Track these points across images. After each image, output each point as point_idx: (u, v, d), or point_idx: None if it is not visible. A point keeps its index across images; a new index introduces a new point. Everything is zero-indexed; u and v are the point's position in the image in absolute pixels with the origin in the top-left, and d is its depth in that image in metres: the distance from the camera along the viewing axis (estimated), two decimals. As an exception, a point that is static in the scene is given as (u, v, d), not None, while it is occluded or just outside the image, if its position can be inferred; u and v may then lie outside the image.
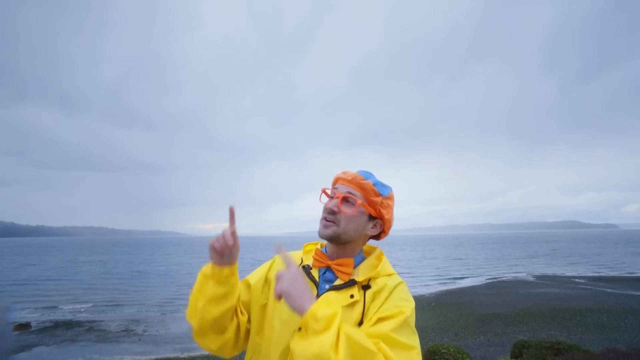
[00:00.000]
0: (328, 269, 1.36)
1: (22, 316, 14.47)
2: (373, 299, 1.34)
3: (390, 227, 1.40)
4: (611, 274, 25.71)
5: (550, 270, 28.43)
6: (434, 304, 15.25)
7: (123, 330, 12.57)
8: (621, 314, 11.77)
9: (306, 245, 1.42)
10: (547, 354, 5.26)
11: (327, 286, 1.34)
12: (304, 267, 1.36)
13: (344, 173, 1.38)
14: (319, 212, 1.42)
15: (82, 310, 16.13)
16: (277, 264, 1.40)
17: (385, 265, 1.38)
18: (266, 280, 1.38)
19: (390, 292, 1.38)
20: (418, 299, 16.69)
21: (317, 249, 1.38)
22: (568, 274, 25.99)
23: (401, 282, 1.40)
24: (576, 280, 22.06)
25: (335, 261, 1.36)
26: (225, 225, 1.39)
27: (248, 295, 1.38)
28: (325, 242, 1.44)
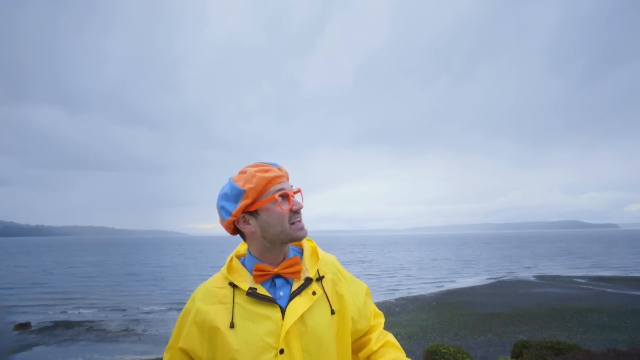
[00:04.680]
0: (275, 276, 1.26)
1: (22, 315, 14.47)
2: (333, 286, 1.28)
3: None
4: (611, 273, 25.71)
5: (550, 270, 28.43)
6: (434, 303, 15.25)
7: (123, 330, 12.56)
8: (622, 313, 11.77)
9: (224, 267, 1.30)
10: (548, 353, 5.25)
11: (281, 293, 1.24)
12: (248, 292, 1.23)
13: (277, 169, 1.29)
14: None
15: (81, 310, 16.14)
16: (201, 306, 1.26)
17: (319, 249, 1.31)
18: (199, 330, 1.25)
19: (343, 276, 1.31)
20: (418, 299, 16.68)
21: (256, 264, 1.26)
22: (569, 273, 25.99)
23: (334, 258, 1.34)
24: (577, 280, 22.05)
25: (281, 265, 1.26)
26: None
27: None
28: (232, 252, 1.32)
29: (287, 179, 1.28)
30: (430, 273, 29.29)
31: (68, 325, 13.20)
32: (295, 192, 1.27)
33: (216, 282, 1.28)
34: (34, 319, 13.97)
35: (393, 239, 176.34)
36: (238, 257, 1.31)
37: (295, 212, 1.27)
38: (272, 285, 1.25)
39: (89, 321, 13.83)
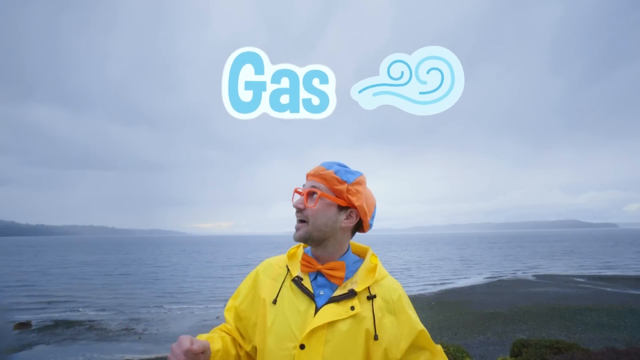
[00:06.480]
0: (318, 273, 1.26)
1: (22, 315, 14.48)
2: (381, 312, 1.21)
3: (367, 214, 1.29)
4: (611, 273, 25.74)
5: (550, 270, 28.46)
6: (433, 302, 15.27)
7: (123, 329, 12.58)
8: (620, 313, 11.79)
9: (290, 250, 1.35)
10: (547, 352, 5.25)
11: (321, 292, 1.22)
12: (294, 280, 1.24)
13: (320, 168, 1.28)
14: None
15: (82, 309, 16.16)
16: (261, 275, 1.32)
17: (381, 270, 1.30)
18: (254, 296, 1.30)
19: (396, 308, 1.25)
20: (418, 298, 16.70)
21: (304, 253, 1.29)
22: (568, 273, 26.02)
23: (399, 287, 1.31)
24: (576, 279, 22.07)
25: (326, 265, 1.25)
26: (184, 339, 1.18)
27: (241, 323, 1.31)
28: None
29: (318, 180, 1.26)
30: (430, 272, 29.33)
31: (68, 324, 13.22)
32: (298, 192, 1.28)
33: (278, 260, 1.35)
34: (34, 318, 13.98)
35: (393, 238, 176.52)
36: (305, 247, 1.36)
37: (296, 210, 1.26)
38: (314, 280, 1.26)
39: (89, 320, 13.85)
